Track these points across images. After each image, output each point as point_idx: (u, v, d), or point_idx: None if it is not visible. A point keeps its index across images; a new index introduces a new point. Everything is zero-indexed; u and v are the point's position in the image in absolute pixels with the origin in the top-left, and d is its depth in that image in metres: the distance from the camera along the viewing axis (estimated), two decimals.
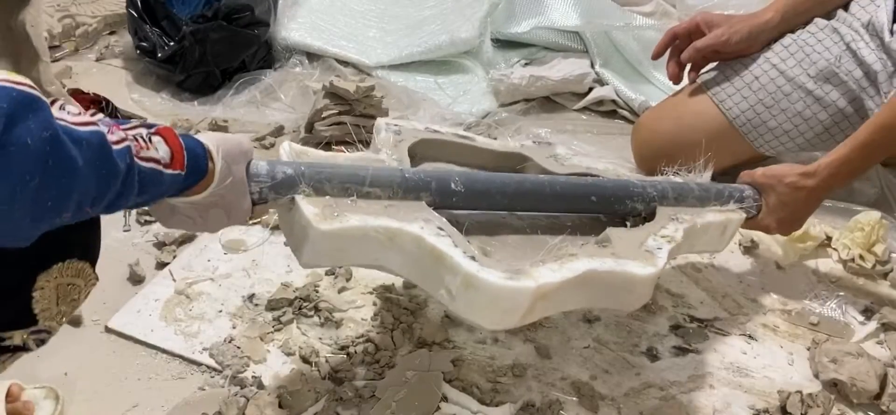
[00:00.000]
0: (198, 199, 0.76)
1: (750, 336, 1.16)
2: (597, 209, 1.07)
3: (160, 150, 0.70)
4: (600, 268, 0.91)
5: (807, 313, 1.21)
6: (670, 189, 1.09)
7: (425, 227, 0.87)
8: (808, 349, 1.13)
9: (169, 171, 0.71)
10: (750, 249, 1.33)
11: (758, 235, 1.33)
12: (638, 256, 0.95)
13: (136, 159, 0.66)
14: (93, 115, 0.66)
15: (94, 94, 1.61)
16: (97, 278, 0.75)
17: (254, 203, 0.83)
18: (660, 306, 1.20)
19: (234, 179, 0.79)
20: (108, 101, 1.59)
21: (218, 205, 0.79)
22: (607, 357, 1.10)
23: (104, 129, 0.64)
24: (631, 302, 0.96)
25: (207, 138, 0.78)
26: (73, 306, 0.73)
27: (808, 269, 1.31)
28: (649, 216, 1.07)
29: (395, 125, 1.09)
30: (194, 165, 0.74)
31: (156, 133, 0.71)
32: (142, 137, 0.69)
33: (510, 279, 0.83)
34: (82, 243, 0.72)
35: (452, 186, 0.95)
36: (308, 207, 0.84)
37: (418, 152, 1.09)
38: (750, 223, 1.19)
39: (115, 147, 0.64)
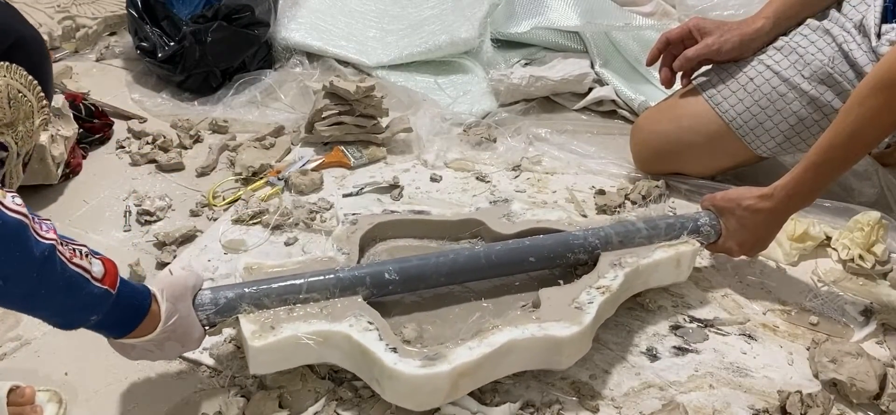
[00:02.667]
0: (151, 337, 0.88)
1: (749, 336, 1.16)
2: (538, 268, 1.14)
3: (94, 267, 0.81)
4: (522, 336, 0.98)
5: (806, 313, 1.21)
6: (614, 234, 1.15)
7: (354, 324, 0.97)
8: (808, 349, 1.13)
9: (97, 283, 0.81)
10: None
11: None
12: (564, 316, 1.01)
13: (62, 258, 0.76)
14: (42, 219, 0.77)
15: (69, 92, 1.61)
16: (49, 109, 0.83)
17: (205, 327, 0.96)
18: (659, 306, 1.20)
19: (180, 316, 0.91)
20: (84, 98, 1.60)
21: (171, 338, 0.91)
22: (607, 357, 1.10)
23: (31, 223, 0.74)
24: (562, 361, 1.01)
25: (155, 282, 0.90)
26: (28, 131, 0.80)
27: (808, 269, 1.31)
28: (595, 264, 1.12)
29: (353, 215, 1.21)
30: (131, 299, 0.85)
31: (98, 258, 0.82)
32: (78, 250, 0.80)
33: (425, 367, 0.92)
34: (32, 59, 0.82)
35: (386, 276, 1.05)
36: (247, 325, 0.96)
37: (377, 234, 1.20)
38: (711, 247, 1.22)
39: (38, 239, 0.74)
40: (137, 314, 0.87)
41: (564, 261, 1.13)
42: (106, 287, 0.82)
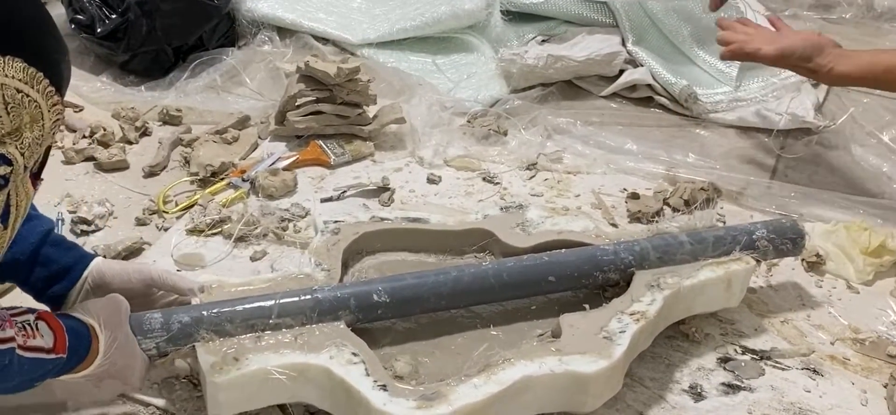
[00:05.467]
0: (89, 371, 0.91)
1: (814, 370, 1.16)
2: (559, 289, 1.14)
3: (45, 336, 0.86)
4: (539, 372, 0.97)
5: (884, 343, 1.21)
6: (651, 249, 1.15)
7: (336, 355, 0.97)
8: (886, 386, 1.14)
9: (51, 356, 0.86)
10: (815, 265, 1.34)
11: (825, 249, 1.34)
12: (590, 348, 1.01)
13: (19, 354, 0.83)
14: None
15: None
16: (62, 104, 0.83)
17: (153, 358, 0.97)
18: (705, 335, 1.20)
19: (119, 343, 0.93)
20: None
21: (109, 373, 0.92)
22: (641, 396, 1.11)
23: None
24: (587, 402, 1.01)
25: (85, 313, 0.93)
26: (36, 138, 0.79)
27: (886, 289, 1.31)
28: (629, 283, 1.12)
29: (335, 223, 1.21)
30: (76, 346, 0.89)
31: (39, 318, 0.86)
32: (29, 325, 0.85)
33: (421, 409, 0.91)
34: (32, 44, 0.78)
35: (375, 297, 1.05)
36: (206, 356, 0.96)
37: (364, 246, 1.20)
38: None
39: (2, 347, 0.81)
40: (79, 358, 0.90)
41: (591, 281, 1.14)
42: (59, 356, 0.87)
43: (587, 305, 1.10)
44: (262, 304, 1.00)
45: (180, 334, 0.97)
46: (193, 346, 0.97)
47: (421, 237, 1.22)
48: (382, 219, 1.23)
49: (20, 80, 0.76)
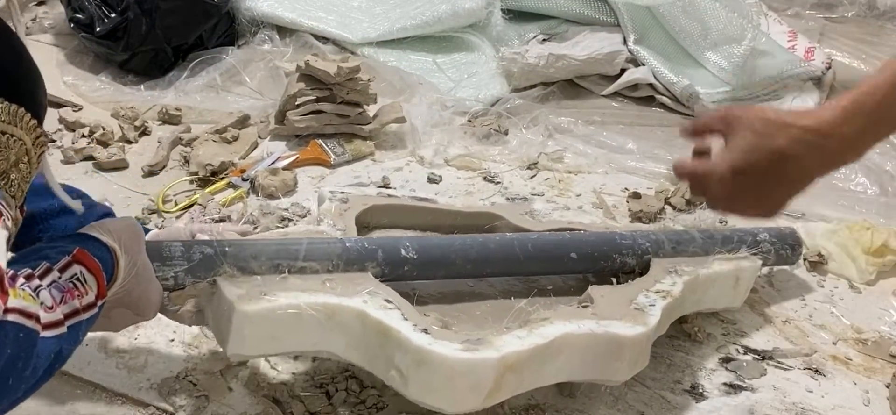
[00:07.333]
0: (104, 299, 0.85)
1: (817, 371, 1.17)
2: (579, 268, 1.15)
3: (92, 287, 0.81)
4: (578, 331, 0.96)
5: (886, 343, 1.21)
6: (666, 240, 1.17)
7: (369, 300, 0.94)
8: (888, 386, 1.14)
9: (98, 305, 0.82)
10: (817, 265, 1.34)
11: (828, 248, 1.34)
12: (625, 315, 1.01)
13: (80, 321, 0.79)
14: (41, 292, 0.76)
15: None
16: (47, 137, 0.79)
17: (169, 290, 0.92)
18: (707, 334, 1.20)
19: (137, 271, 0.88)
20: None
21: (123, 302, 0.88)
22: (643, 395, 1.11)
23: (39, 326, 0.73)
24: (621, 370, 1.01)
25: (106, 234, 0.86)
26: (24, 174, 0.76)
27: (888, 289, 1.31)
28: (643, 271, 1.13)
29: (342, 193, 1.18)
30: (108, 278, 0.85)
31: (76, 261, 0.81)
32: (79, 281, 0.80)
33: (468, 351, 0.89)
34: (9, 79, 0.74)
35: (403, 252, 1.03)
36: (231, 288, 0.91)
37: (371, 220, 1.18)
38: (688, 171, 0.94)
39: (72, 321, 0.77)
40: (106, 283, 0.86)
41: (609, 264, 1.14)
42: (102, 300, 0.83)
43: (614, 280, 1.11)
44: (288, 245, 0.97)
45: (201, 266, 0.92)
46: (214, 279, 0.93)
47: (429, 216, 1.21)
48: (389, 195, 1.21)
49: (3, 120, 0.72)
